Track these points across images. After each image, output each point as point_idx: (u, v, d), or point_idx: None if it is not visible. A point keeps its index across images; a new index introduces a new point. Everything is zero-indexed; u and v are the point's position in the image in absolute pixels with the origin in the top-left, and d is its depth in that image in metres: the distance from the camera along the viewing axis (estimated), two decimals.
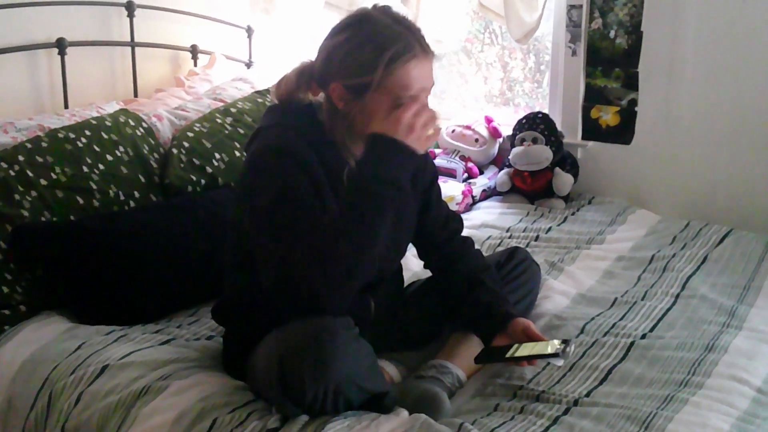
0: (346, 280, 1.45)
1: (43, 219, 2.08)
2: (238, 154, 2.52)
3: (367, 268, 1.49)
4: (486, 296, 1.75)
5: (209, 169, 2.45)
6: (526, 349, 1.59)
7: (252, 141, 1.64)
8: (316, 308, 1.45)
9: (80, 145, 2.24)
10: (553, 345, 1.58)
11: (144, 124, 2.46)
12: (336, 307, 1.47)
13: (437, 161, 3.15)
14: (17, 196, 2.07)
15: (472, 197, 3.04)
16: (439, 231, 1.86)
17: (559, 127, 3.09)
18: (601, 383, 1.69)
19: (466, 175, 3.16)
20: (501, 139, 3.30)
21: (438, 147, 3.32)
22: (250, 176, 1.56)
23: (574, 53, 3.02)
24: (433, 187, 1.84)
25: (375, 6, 1.60)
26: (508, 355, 1.60)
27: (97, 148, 2.27)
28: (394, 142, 1.48)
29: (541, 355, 1.56)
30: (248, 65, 3.34)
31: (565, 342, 1.59)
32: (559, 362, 1.58)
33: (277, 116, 1.65)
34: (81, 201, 2.16)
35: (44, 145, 2.19)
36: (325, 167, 1.57)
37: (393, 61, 1.51)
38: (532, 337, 1.65)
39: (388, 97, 1.53)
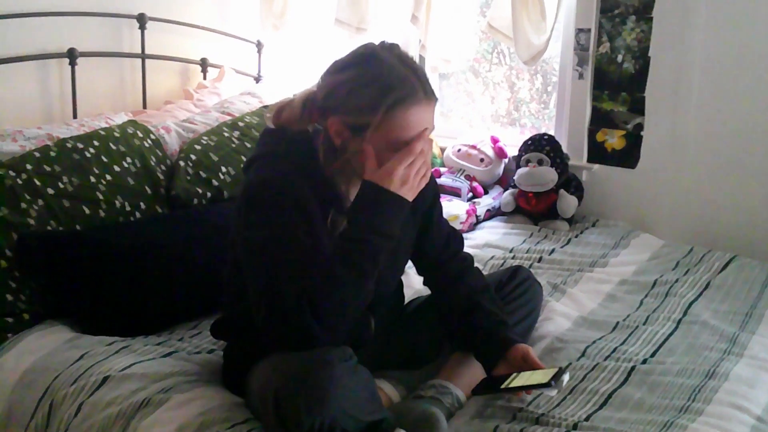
0: (338, 321, 1.47)
1: (49, 228, 2.10)
2: None
3: (360, 307, 1.52)
4: (485, 321, 1.75)
5: (215, 182, 2.47)
6: (522, 379, 1.60)
7: (249, 167, 1.64)
8: (307, 346, 1.45)
9: (88, 155, 2.26)
10: (549, 373, 1.59)
11: (152, 136, 2.48)
12: (328, 344, 1.47)
13: (442, 180, 3.16)
14: (24, 205, 2.08)
15: (476, 217, 3.04)
16: (440, 251, 1.86)
17: (564, 149, 3.10)
18: (600, 407, 1.69)
19: (470, 194, 3.17)
20: (506, 160, 3.30)
21: (443, 166, 3.33)
22: (245, 209, 1.55)
23: (581, 76, 3.03)
24: (434, 207, 1.84)
25: (382, 44, 1.58)
26: (503, 386, 1.61)
27: (104, 159, 2.28)
28: (387, 193, 1.49)
29: (534, 385, 1.57)
30: (257, 80, 3.36)
31: (560, 371, 1.59)
32: (552, 392, 1.59)
33: (274, 144, 1.63)
34: (87, 211, 2.17)
35: (52, 154, 2.20)
36: (321, 200, 1.57)
37: (394, 106, 1.50)
38: (531, 364, 1.65)
39: (386, 139, 1.52)
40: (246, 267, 1.54)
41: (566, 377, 1.59)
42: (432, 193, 1.82)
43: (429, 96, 1.54)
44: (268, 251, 1.48)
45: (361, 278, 1.47)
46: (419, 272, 1.91)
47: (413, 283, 2.26)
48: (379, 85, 1.50)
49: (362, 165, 1.54)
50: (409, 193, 1.52)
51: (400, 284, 1.92)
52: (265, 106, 2.85)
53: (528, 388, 1.58)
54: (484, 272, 2.43)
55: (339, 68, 1.57)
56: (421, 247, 1.83)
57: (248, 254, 1.53)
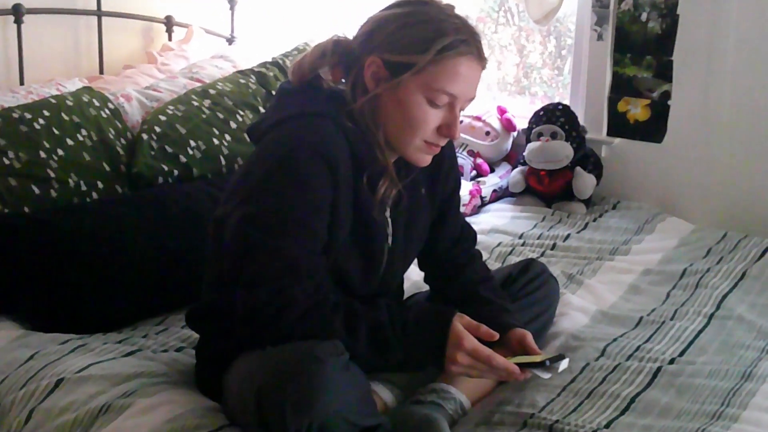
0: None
1: None
2: (216, 141, 2.53)
3: None
4: (482, 309, 1.76)
5: (183, 158, 2.46)
6: (515, 360, 1.61)
7: (270, 131, 1.61)
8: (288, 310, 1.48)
9: (37, 127, 2.24)
10: (546, 357, 1.61)
11: (110, 105, 2.47)
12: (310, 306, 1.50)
13: None
14: None
15: (481, 198, 3.05)
16: (449, 247, 1.89)
17: (581, 121, 3.10)
18: (622, 413, 1.70)
19: (474, 172, 3.17)
20: (515, 133, 3.31)
21: None
22: (260, 175, 1.54)
23: (600, 37, 3.03)
24: (453, 198, 1.88)
25: None
26: None
27: (56, 131, 2.27)
28: (439, 344, 1.53)
29: (527, 364, 1.59)
30: (230, 41, 3.35)
31: (559, 356, 1.60)
32: (546, 375, 1.60)
33: (312, 102, 1.61)
34: (37, 191, 2.17)
35: None
36: (358, 164, 1.59)
37: (448, 50, 1.54)
38: (527, 350, 1.67)
39: (427, 86, 1.55)
40: (237, 244, 1.52)
41: (564, 363, 1.60)
42: (454, 182, 1.87)
43: (481, 58, 1.61)
44: (270, 226, 1.50)
45: (348, 343, 1.49)
46: (421, 267, 1.95)
47: (411, 276, 2.26)
48: (434, 27, 1.56)
49: (393, 113, 1.58)
50: (451, 368, 1.54)
51: (401, 278, 1.94)
52: (241, 71, 2.84)
53: (520, 367, 1.59)
54: (491, 262, 2.46)
55: (389, 7, 1.63)
56: (431, 240, 1.86)
57: (243, 231, 1.51)
